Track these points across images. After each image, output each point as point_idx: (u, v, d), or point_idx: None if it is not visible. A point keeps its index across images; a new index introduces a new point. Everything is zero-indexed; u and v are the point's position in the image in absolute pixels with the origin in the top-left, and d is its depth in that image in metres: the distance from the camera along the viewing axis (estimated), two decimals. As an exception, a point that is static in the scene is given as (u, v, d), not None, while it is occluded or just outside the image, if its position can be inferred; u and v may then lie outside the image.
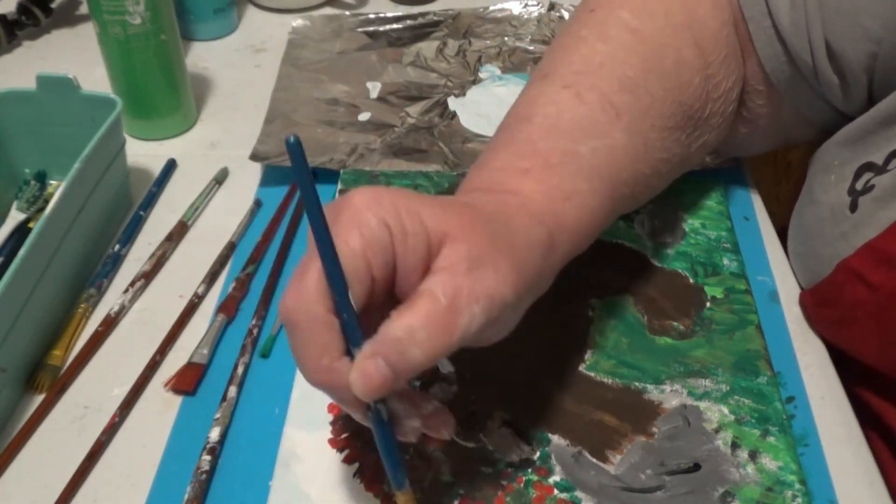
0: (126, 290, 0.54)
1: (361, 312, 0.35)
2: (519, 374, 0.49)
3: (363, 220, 0.34)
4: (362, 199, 0.35)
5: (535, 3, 0.80)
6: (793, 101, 0.53)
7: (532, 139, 0.44)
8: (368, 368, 0.33)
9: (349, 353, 0.34)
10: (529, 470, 0.44)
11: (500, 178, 0.43)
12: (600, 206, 0.44)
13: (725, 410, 0.46)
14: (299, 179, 0.33)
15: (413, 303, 0.34)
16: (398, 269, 0.35)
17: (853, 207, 0.47)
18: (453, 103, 0.69)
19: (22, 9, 0.78)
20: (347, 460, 0.44)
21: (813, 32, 0.48)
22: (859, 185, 0.47)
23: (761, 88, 0.53)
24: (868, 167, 0.47)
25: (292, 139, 0.32)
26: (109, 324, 0.52)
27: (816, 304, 0.51)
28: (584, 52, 0.48)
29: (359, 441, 0.45)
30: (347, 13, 0.81)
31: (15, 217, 0.58)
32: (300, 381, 0.48)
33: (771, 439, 0.45)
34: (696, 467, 0.44)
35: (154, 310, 0.54)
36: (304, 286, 0.34)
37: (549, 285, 0.42)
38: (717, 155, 0.62)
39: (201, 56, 0.78)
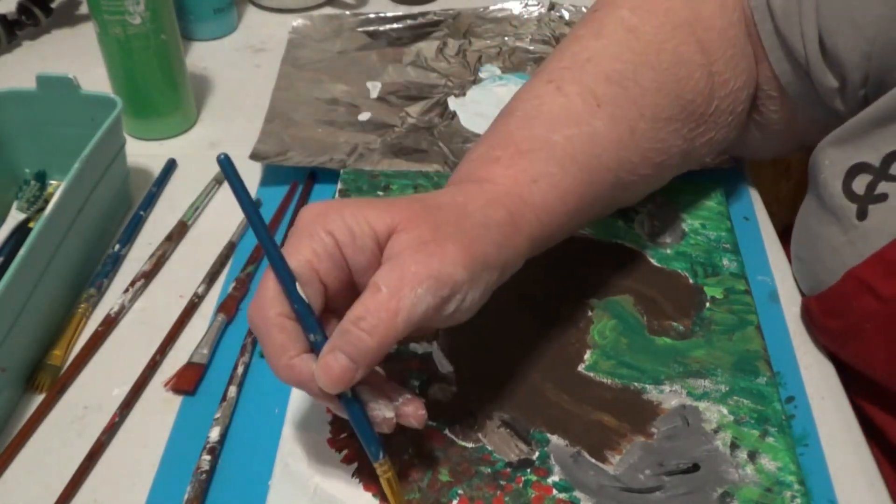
0: (126, 290, 0.54)
1: (329, 313, 0.39)
2: (518, 374, 0.49)
3: (311, 232, 0.38)
4: (310, 214, 0.39)
5: (535, 2, 0.80)
6: (805, 105, 0.52)
7: (509, 130, 0.46)
8: (329, 362, 0.36)
9: (314, 351, 0.38)
10: (528, 470, 0.44)
11: (474, 167, 0.45)
12: (575, 188, 0.45)
13: (724, 411, 0.46)
14: (239, 198, 0.37)
15: (361, 295, 0.37)
16: (352, 268, 0.39)
17: (861, 215, 0.46)
18: (453, 103, 0.69)
19: (22, 9, 0.78)
20: (346, 460, 0.45)
21: (805, 24, 0.48)
22: (859, 189, 0.46)
23: (774, 94, 0.53)
24: (861, 168, 0.46)
25: (222, 156, 0.36)
26: (109, 324, 0.53)
27: (822, 313, 0.50)
28: (576, 50, 0.50)
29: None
30: (347, 13, 0.81)
31: (15, 217, 0.58)
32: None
33: (770, 440, 0.45)
34: (696, 468, 0.44)
35: (154, 310, 0.54)
36: (260, 295, 0.38)
37: (521, 262, 0.43)
38: (730, 155, 0.61)
39: (201, 56, 0.78)
